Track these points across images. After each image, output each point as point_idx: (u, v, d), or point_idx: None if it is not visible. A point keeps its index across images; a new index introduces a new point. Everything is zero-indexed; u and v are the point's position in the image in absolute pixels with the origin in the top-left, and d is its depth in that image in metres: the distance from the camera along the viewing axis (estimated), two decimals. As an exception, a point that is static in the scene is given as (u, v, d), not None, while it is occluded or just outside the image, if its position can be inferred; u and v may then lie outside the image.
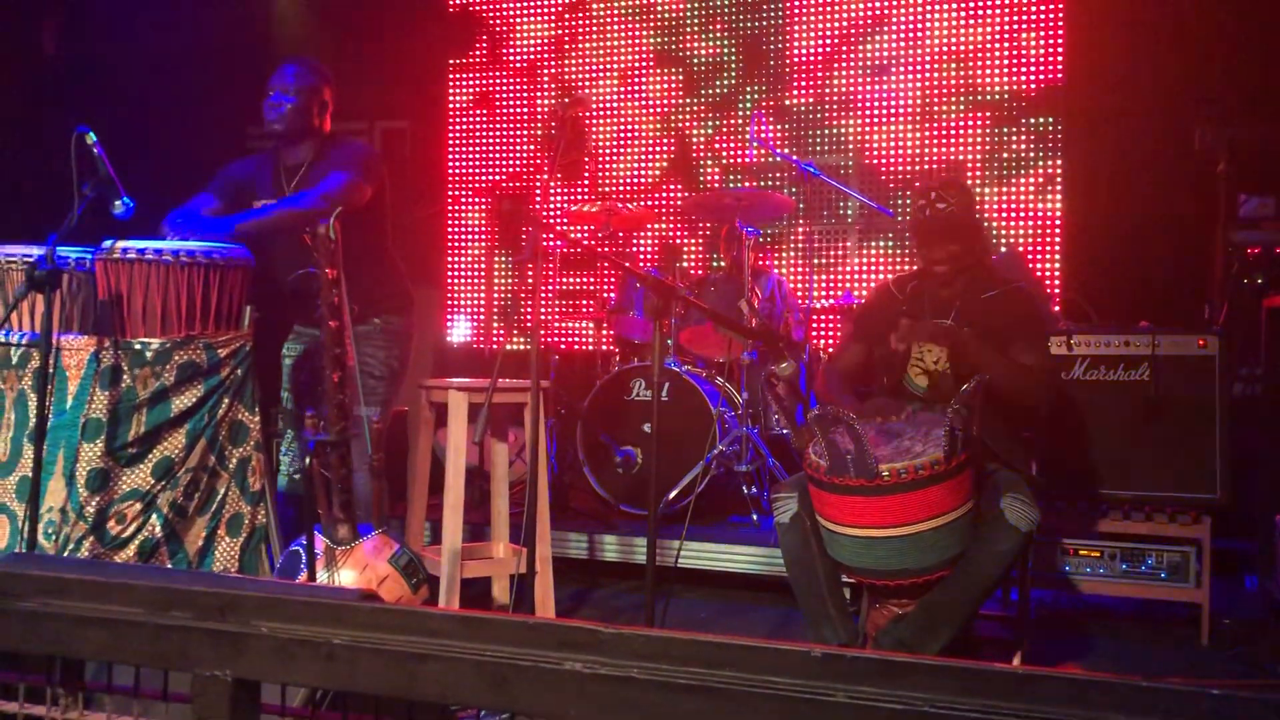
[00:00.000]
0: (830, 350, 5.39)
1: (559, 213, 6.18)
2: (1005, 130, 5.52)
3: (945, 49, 5.64)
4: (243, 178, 3.56)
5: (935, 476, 2.60)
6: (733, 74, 6.09)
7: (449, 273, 6.69)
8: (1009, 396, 2.97)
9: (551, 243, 4.95)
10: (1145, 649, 3.64)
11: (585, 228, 5.77)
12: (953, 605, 2.75)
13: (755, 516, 4.43)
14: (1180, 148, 4.81)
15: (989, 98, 5.55)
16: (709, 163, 6.15)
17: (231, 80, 6.48)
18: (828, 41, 5.89)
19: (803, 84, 5.93)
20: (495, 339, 6.33)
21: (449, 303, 6.66)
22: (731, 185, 6.00)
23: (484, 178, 6.64)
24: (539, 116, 6.48)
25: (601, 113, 6.31)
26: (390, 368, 3.54)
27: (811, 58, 5.92)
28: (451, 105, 6.70)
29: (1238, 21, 4.92)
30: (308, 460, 2.80)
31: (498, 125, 6.61)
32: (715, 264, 5.93)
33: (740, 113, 6.05)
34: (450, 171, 6.71)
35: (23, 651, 1.38)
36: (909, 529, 2.64)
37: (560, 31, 6.45)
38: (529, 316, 5.37)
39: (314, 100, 3.47)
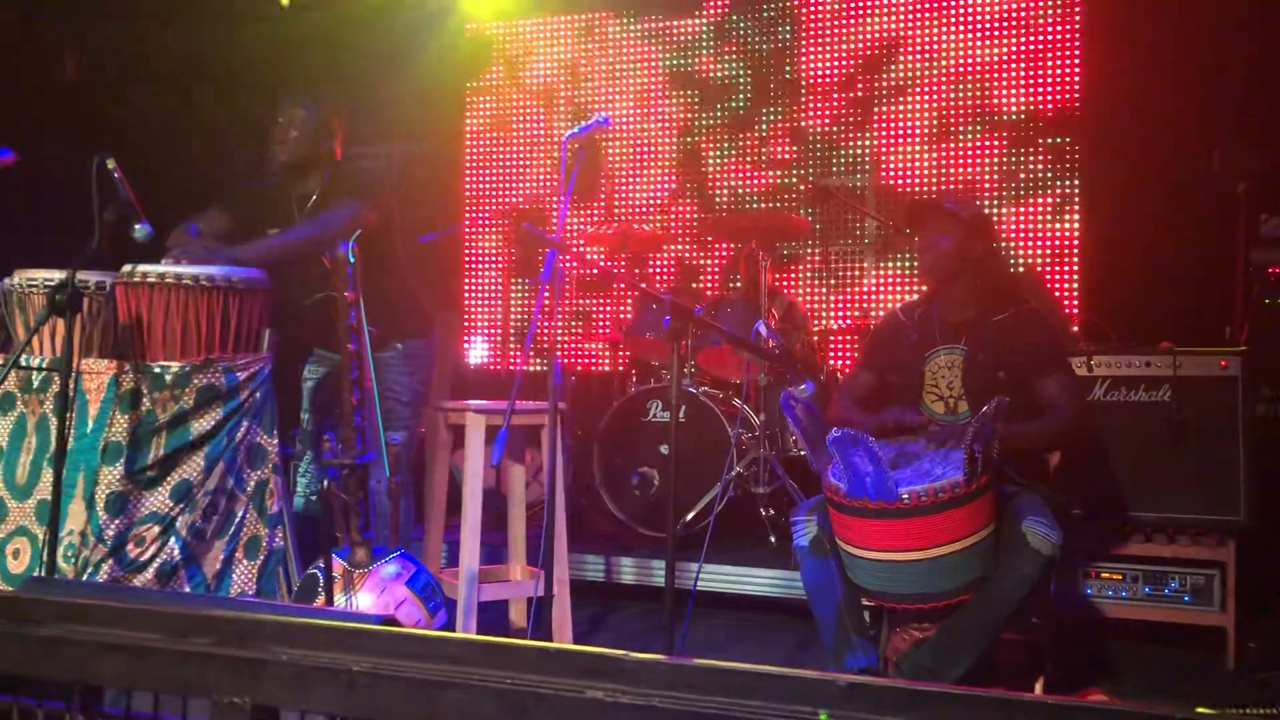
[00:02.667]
0: (845, 372, 5.37)
1: (575, 234, 6.19)
2: (1022, 150, 5.51)
3: (961, 69, 5.64)
4: (253, 204, 3.56)
5: (956, 499, 2.58)
6: (747, 95, 6.11)
7: (467, 294, 6.71)
8: (1059, 449, 3.03)
9: (568, 265, 4.96)
10: (1170, 674, 3.60)
11: (601, 249, 5.79)
12: (974, 630, 2.72)
13: (774, 539, 4.41)
14: (1199, 167, 4.79)
15: (1006, 118, 5.54)
16: (724, 184, 6.15)
17: (252, 105, 6.54)
18: (842, 62, 5.90)
19: (817, 104, 5.94)
20: (512, 361, 6.33)
21: (467, 324, 6.68)
22: (747, 206, 6.01)
23: (501, 200, 6.67)
24: (555, 139, 6.51)
25: (616, 135, 6.33)
26: (415, 392, 3.54)
27: (826, 78, 5.93)
28: (469, 128, 6.74)
29: (1256, 41, 4.90)
30: (325, 483, 2.79)
31: (514, 148, 6.64)
32: (733, 283, 5.92)
33: (755, 133, 6.06)
34: (468, 194, 6.74)
35: (42, 677, 1.37)
36: (929, 552, 2.61)
37: (575, 55, 6.48)
38: (545, 338, 5.37)
39: (319, 132, 3.47)
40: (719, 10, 6.17)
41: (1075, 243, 5.38)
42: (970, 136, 5.61)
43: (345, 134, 3.57)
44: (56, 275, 2.96)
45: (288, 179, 3.52)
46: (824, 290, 5.88)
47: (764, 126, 6.05)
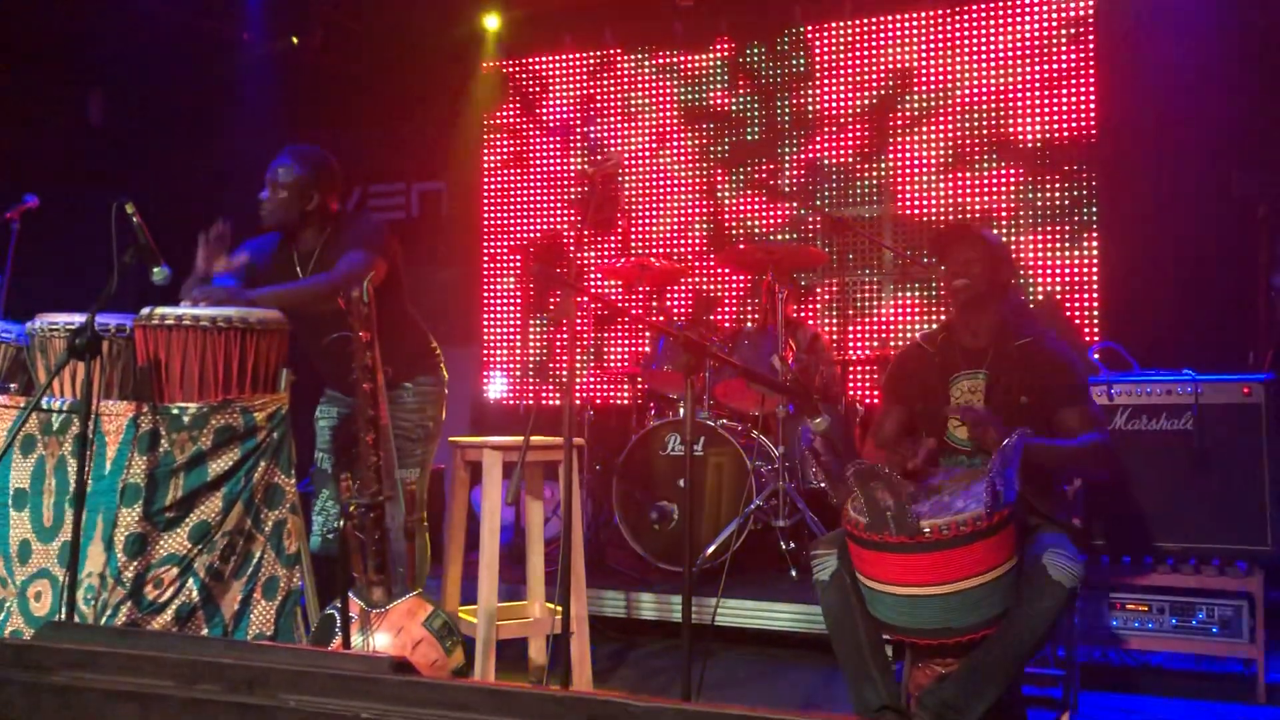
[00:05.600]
0: (866, 403, 5.34)
1: (592, 268, 6.22)
2: (1039, 178, 5.50)
3: (976, 98, 5.65)
4: (257, 260, 3.57)
5: (977, 533, 2.55)
6: (761, 127, 6.13)
7: (485, 330, 6.74)
8: (1082, 476, 3.00)
9: (584, 302, 4.97)
10: (1198, 707, 3.54)
11: (618, 283, 5.80)
12: (997, 664, 2.69)
13: (794, 572, 4.38)
14: (1219, 192, 4.76)
15: (1022, 146, 5.54)
16: (740, 216, 6.17)
17: (274, 151, 6.61)
18: (856, 93, 5.92)
19: (832, 135, 5.96)
20: (529, 396, 6.35)
21: (485, 359, 6.70)
22: (764, 238, 6.02)
23: (518, 235, 6.71)
24: (571, 174, 6.56)
25: (632, 169, 6.37)
26: (426, 429, 3.55)
27: (840, 109, 5.95)
28: (486, 166, 6.79)
29: (1273, 64, 4.88)
30: (342, 523, 2.80)
31: (531, 184, 6.69)
32: (752, 315, 5.92)
33: (770, 165, 6.08)
34: (486, 230, 6.79)
35: (54, 726, 1.37)
36: (951, 587, 2.58)
37: (591, 90, 6.54)
38: (562, 373, 5.39)
39: (303, 191, 3.45)
40: (732, 44, 6.20)
41: (1094, 270, 5.35)
42: (986, 165, 5.61)
43: (339, 186, 3.55)
44: (77, 319, 2.98)
45: (288, 237, 3.53)
46: (842, 321, 5.87)
47: (779, 158, 6.07)
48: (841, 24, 5.96)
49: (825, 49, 6.00)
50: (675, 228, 6.30)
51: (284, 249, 3.54)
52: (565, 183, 6.58)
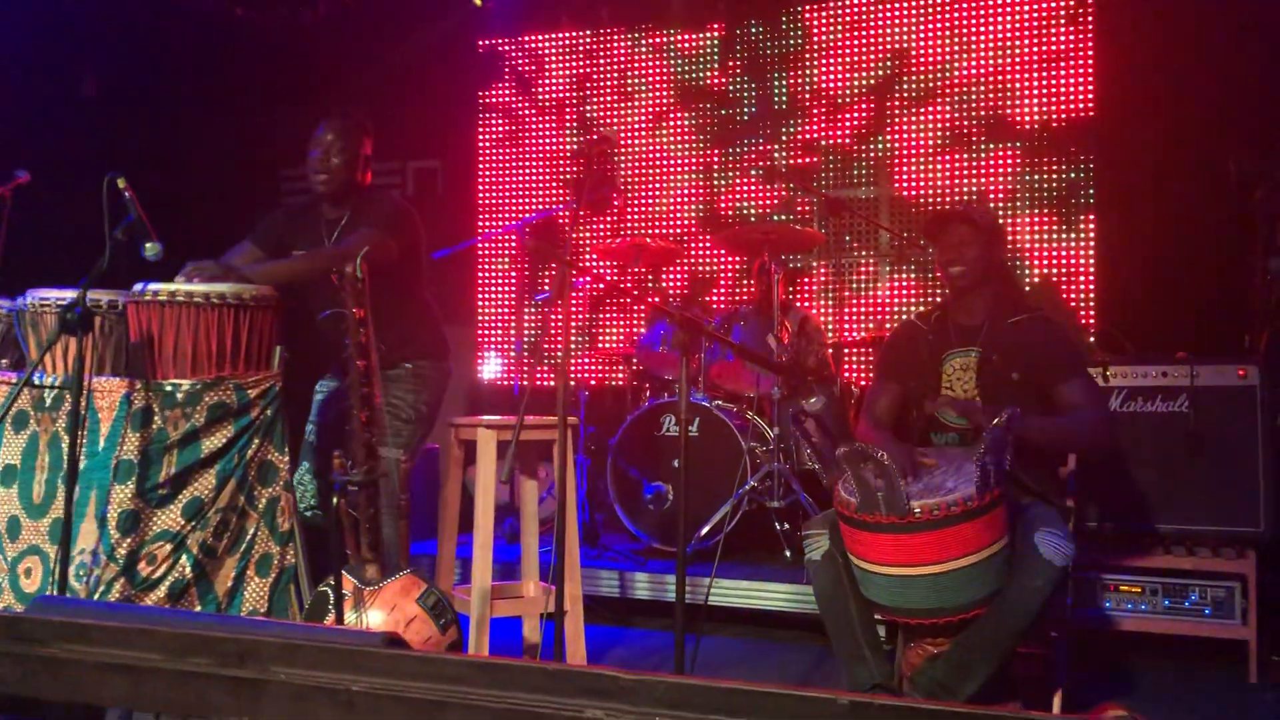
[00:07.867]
0: (861, 386, 5.35)
1: (588, 248, 6.20)
2: (1037, 160, 5.48)
3: (974, 79, 5.62)
4: (285, 228, 3.57)
5: (968, 513, 2.55)
6: (759, 107, 6.10)
7: (480, 309, 6.72)
8: (1077, 450, 2.99)
9: (580, 280, 4.95)
10: (1191, 687, 3.55)
11: (613, 263, 5.79)
12: (989, 644, 2.69)
13: (788, 553, 4.38)
14: (1216, 175, 4.75)
15: (1020, 127, 5.52)
16: (736, 196, 6.15)
17: (268, 127, 6.58)
18: (855, 73, 5.89)
19: (830, 116, 5.93)
20: (524, 376, 6.34)
21: (480, 339, 6.69)
22: (758, 219, 6.00)
23: (513, 215, 6.68)
24: (567, 153, 6.53)
25: (628, 149, 6.34)
26: (418, 411, 3.52)
27: (838, 89, 5.92)
28: (481, 144, 6.76)
29: (1272, 46, 4.87)
30: (335, 500, 2.79)
31: (527, 163, 6.66)
32: (745, 302, 5.91)
33: (767, 146, 6.05)
34: (481, 209, 6.76)
35: (44, 698, 1.37)
36: (942, 567, 2.59)
37: (587, 69, 6.50)
38: (557, 352, 5.39)
39: (359, 157, 3.47)
40: (730, 24, 6.17)
41: (1090, 252, 5.34)
42: (984, 146, 5.59)
43: (371, 156, 3.56)
44: (69, 294, 2.97)
45: (321, 204, 3.52)
46: (837, 302, 5.86)
47: (776, 138, 6.04)
48: (839, 3, 5.93)
49: (822, 29, 5.97)
50: (671, 207, 6.28)
51: (311, 216, 3.53)
52: (561, 162, 6.55)
